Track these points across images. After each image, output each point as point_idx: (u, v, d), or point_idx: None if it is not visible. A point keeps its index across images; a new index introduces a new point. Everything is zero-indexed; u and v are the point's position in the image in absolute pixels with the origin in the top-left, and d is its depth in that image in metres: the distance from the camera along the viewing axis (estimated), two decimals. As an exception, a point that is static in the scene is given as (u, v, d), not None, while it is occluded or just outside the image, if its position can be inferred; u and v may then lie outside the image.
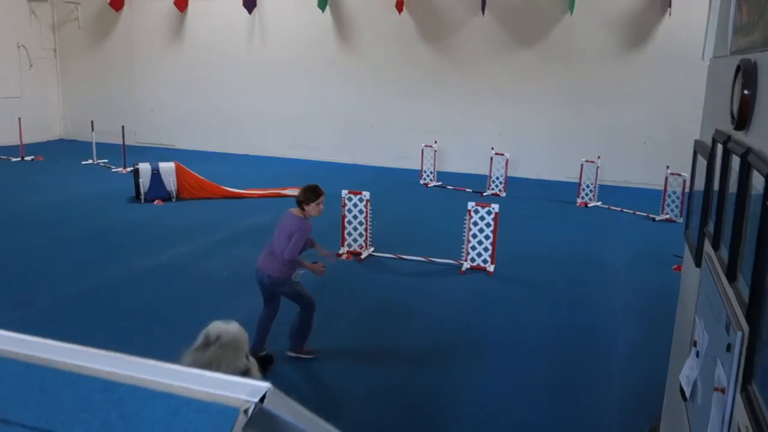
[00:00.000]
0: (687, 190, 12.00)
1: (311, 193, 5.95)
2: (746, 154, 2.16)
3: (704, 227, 2.98)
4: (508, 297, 7.98)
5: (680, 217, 12.13)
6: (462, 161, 16.28)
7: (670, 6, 14.31)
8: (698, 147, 3.41)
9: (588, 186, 13.53)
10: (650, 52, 14.88)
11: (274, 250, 5.87)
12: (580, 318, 7.36)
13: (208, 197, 12.46)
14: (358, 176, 15.59)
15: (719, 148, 2.71)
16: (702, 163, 3.24)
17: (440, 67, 16.33)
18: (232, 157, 17.83)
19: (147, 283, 8.03)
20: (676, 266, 9.33)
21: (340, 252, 9.26)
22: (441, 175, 15.23)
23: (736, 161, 2.34)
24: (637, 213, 12.75)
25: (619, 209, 12.97)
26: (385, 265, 9.07)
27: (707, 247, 2.88)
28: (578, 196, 13.53)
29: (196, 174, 12.57)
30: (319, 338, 6.37)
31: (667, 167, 12.58)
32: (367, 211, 9.25)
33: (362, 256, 9.21)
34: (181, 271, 8.52)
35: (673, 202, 12.38)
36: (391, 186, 14.67)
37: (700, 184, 3.32)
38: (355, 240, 9.33)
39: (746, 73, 2.24)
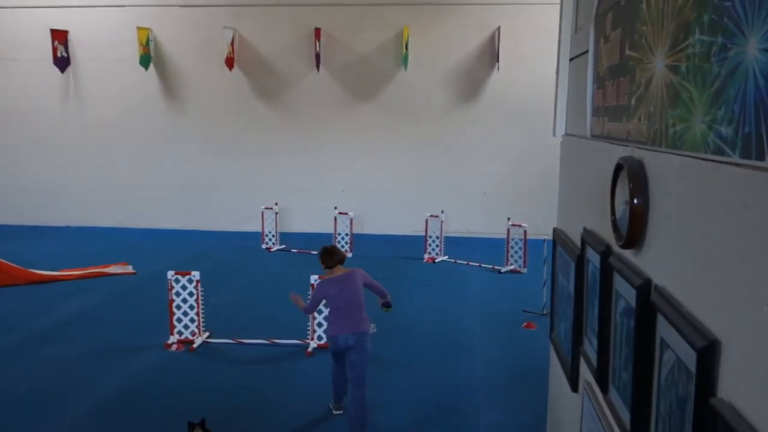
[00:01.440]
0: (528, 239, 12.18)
1: (343, 254, 6.43)
2: (645, 289, 1.62)
3: (579, 346, 2.46)
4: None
5: (524, 267, 12.20)
6: (306, 221, 15.59)
7: (498, 60, 14.70)
8: (558, 238, 2.93)
9: (434, 240, 13.33)
10: (483, 106, 15.17)
11: (351, 308, 5.99)
12: (436, 397, 6.81)
13: (11, 284, 10.75)
14: (195, 245, 14.41)
15: (595, 257, 2.20)
16: (565, 259, 2.74)
17: (278, 124, 15.67)
18: (50, 230, 15.91)
19: None
20: (525, 324, 9.19)
21: (169, 342, 8.14)
22: (285, 237, 14.43)
23: (625, 288, 1.81)
24: (482, 265, 12.67)
25: (466, 263, 12.83)
26: (223, 352, 8.08)
27: (586, 373, 2.35)
28: (425, 252, 13.29)
29: (-3, 258, 10.85)
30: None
31: (508, 219, 12.66)
32: (197, 294, 8.24)
33: (194, 345, 8.15)
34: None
35: (516, 252, 12.43)
36: (231, 253, 13.65)
37: (564, 282, 2.83)
38: (186, 326, 8.26)
39: (633, 177, 1.73)
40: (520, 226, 12.25)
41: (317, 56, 14.99)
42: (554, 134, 3.27)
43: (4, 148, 16.25)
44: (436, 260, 13.04)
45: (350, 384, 6.01)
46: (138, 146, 15.98)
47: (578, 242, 2.50)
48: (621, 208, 1.83)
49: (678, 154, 1.48)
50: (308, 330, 8.15)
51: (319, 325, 8.08)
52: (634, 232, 1.72)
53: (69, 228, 16.14)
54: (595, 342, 2.18)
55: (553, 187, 12.78)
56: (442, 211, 13.56)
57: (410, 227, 15.16)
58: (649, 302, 1.57)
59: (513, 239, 12.44)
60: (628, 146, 1.90)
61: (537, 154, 14.87)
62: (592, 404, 2.20)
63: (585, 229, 2.42)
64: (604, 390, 2.06)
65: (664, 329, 1.48)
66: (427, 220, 13.32)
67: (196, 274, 8.21)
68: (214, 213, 15.91)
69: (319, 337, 8.11)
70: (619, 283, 1.87)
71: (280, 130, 15.62)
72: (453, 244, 13.80)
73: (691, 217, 1.41)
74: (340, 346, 6.02)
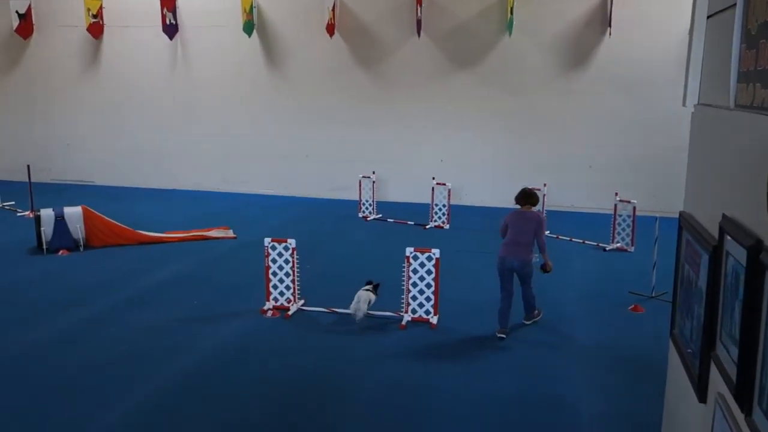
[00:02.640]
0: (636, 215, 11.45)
1: (537, 198, 7.98)
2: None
3: (711, 351, 2.10)
4: (455, 357, 7.06)
5: (631, 246, 11.53)
6: (403, 191, 15.42)
7: (610, 26, 13.83)
8: (685, 223, 2.55)
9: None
10: (592, 74, 14.37)
11: (519, 241, 7.50)
12: (536, 384, 6.48)
13: (122, 244, 11.22)
14: (293, 210, 14.56)
15: (738, 252, 1.84)
16: (694, 249, 2.37)
17: (376, 93, 15.48)
18: (159, 192, 16.55)
19: (22, 364, 6.81)
20: (632, 306, 8.65)
21: (265, 308, 8.21)
22: (381, 206, 14.31)
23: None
24: (586, 242, 12.08)
25: (569, 239, 12.27)
26: (316, 321, 8.06)
27: (719, 384, 2.01)
28: (525, 226, 12.80)
29: (107, 218, 11.32)
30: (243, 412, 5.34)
31: (616, 194, 11.97)
32: (293, 261, 8.23)
33: (290, 312, 8.17)
34: (66, 346, 7.25)
35: (623, 230, 11.76)
36: (328, 220, 13.69)
37: (692, 274, 2.46)
38: (281, 293, 8.29)
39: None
40: (628, 202, 11.54)
41: (418, 22, 14.62)
42: (684, 104, 2.86)
43: (115, 112, 16.96)
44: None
45: (522, 289, 7.75)
46: (241, 112, 16.26)
47: (714, 231, 2.14)
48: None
49: None
50: (402, 302, 7.99)
51: (414, 298, 7.90)
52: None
53: (175, 191, 16.71)
54: (734, 351, 1.84)
55: (666, 162, 12.03)
56: (545, 185, 13.01)
57: (509, 200, 14.65)
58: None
59: (620, 215, 11.76)
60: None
61: (649, 127, 13.99)
62: (726, 422, 1.87)
63: (725, 216, 2.05)
64: (746, 410, 1.72)
65: None
66: (528, 193, 12.79)
67: (292, 242, 8.20)
68: (313, 180, 16.02)
69: (413, 311, 7.93)
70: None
71: (380, 98, 15.43)
72: (556, 218, 13.22)
73: None
74: (505, 266, 7.58)
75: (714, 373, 2.10)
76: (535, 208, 7.90)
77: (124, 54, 16.75)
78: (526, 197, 7.76)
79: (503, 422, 5.73)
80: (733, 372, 1.85)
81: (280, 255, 8.23)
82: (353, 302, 7.87)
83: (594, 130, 14.45)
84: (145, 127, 16.87)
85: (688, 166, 2.76)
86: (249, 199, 15.68)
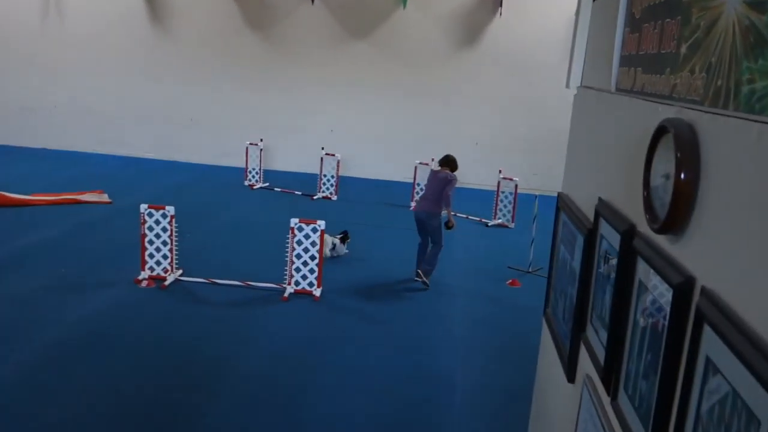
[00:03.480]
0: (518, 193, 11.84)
1: (455, 164, 8.58)
2: (686, 289, 1.27)
3: (581, 332, 2.12)
4: (335, 329, 7.02)
5: (512, 222, 11.92)
6: (291, 160, 15.16)
7: (501, 6, 14.08)
8: (563, 204, 2.56)
9: (422, 189, 12.95)
10: (482, 53, 14.62)
11: (427, 196, 8.37)
12: (415, 356, 6.55)
13: (-20, 206, 10.32)
14: (176, 176, 13.96)
15: (612, 236, 1.84)
16: (570, 230, 2.39)
17: (267, 57, 15.03)
18: (28, 151, 15.37)
19: None
20: (510, 281, 8.93)
21: (140, 278, 7.81)
22: (268, 175, 14.00)
23: (656, 282, 1.46)
24: (470, 217, 12.35)
25: (453, 213, 12.48)
26: (194, 292, 7.75)
27: (588, 365, 2.03)
28: (412, 200, 12.94)
29: (-36, 177, 10.35)
30: (113, 390, 5.03)
31: (500, 171, 12.31)
32: (171, 229, 7.86)
33: (166, 282, 7.82)
34: None
35: (505, 207, 12.13)
36: (212, 188, 13.23)
37: (567, 255, 2.49)
38: (158, 263, 7.91)
39: (681, 144, 1.35)
40: (510, 179, 11.91)
41: (313, -13, 14.28)
42: (568, 85, 2.88)
43: (-19, 62, 15.52)
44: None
45: (430, 245, 8.41)
46: (120, 70, 15.33)
47: (590, 214, 2.15)
48: (659, 182, 1.47)
49: (757, 121, 1.11)
50: (285, 274, 7.83)
51: (297, 270, 7.77)
52: (676, 215, 1.36)
53: (45, 150, 15.60)
54: (603, 335, 1.86)
55: (549, 142, 12.42)
56: (432, 159, 13.13)
57: (399, 174, 14.78)
58: (695, 308, 1.23)
59: (503, 192, 12.11)
60: (672, 105, 1.52)
61: (534, 107, 14.44)
62: (593, 404, 1.89)
63: (600, 200, 2.06)
64: (612, 395, 1.74)
65: (713, 347, 1.14)
66: (416, 167, 12.92)
67: (170, 209, 7.81)
68: (197, 145, 15.42)
69: (296, 283, 7.80)
70: (646, 274, 1.53)
71: (269, 64, 15.00)
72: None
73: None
74: (416, 216, 8.43)
75: (583, 354, 2.12)
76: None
77: (-12, -2, 15.31)
78: (445, 160, 8.60)
79: (381, 395, 5.74)
80: (601, 355, 1.87)
81: (157, 222, 7.83)
82: None
83: (482, 108, 14.75)
84: (14, 81, 15.56)
85: (568, 148, 2.79)
86: (128, 163, 14.89)
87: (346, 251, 9.48)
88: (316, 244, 7.70)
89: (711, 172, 1.27)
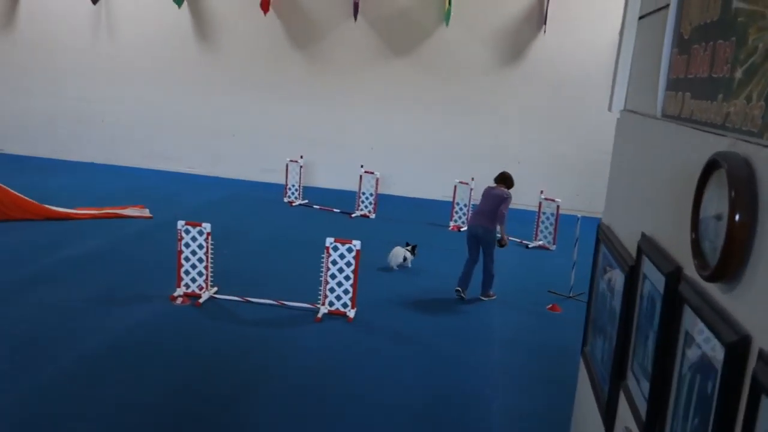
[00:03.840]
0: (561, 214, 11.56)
1: (511, 181, 8.87)
2: (740, 349, 1.10)
3: (621, 380, 1.94)
4: (369, 352, 6.87)
5: (553, 244, 11.64)
6: (331, 177, 15.13)
7: (545, 23, 13.88)
8: (603, 236, 2.39)
9: (461, 208, 12.79)
10: (525, 71, 14.41)
11: (484, 211, 8.48)
12: (450, 378, 6.37)
13: (27, 219, 10.50)
14: (216, 191, 14.05)
15: (656, 277, 1.67)
16: (610, 264, 2.21)
17: (310, 75, 15.09)
18: (75, 165, 15.69)
19: None
20: (550, 306, 8.67)
21: (175, 294, 7.80)
22: (308, 192, 14.00)
23: (704, 336, 1.29)
24: (510, 238, 12.07)
25: (495, 234, 12.26)
26: (228, 310, 7.71)
27: (627, 416, 1.85)
28: (451, 219, 12.76)
29: (10, 190, 10.55)
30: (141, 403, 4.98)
31: (541, 192, 12.06)
32: (207, 246, 7.84)
33: (201, 300, 7.79)
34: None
35: (546, 228, 11.86)
36: (251, 204, 13.27)
37: (607, 292, 2.31)
38: (193, 280, 7.89)
39: (735, 181, 1.19)
40: (552, 200, 11.64)
41: (356, 5, 14.31)
42: (610, 109, 2.71)
43: (34, 78, 15.95)
44: (462, 229, 12.49)
45: (483, 261, 8.57)
46: (167, 86, 15.56)
47: (632, 249, 1.98)
48: (709, 224, 1.30)
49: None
50: (320, 294, 7.73)
51: (331, 290, 7.66)
52: (729, 261, 1.20)
53: (93, 164, 15.89)
54: (645, 386, 1.68)
55: (592, 162, 12.18)
56: (472, 179, 12.95)
57: (438, 192, 14.62)
58: (752, 375, 1.06)
59: (544, 213, 11.85)
60: (724, 136, 1.36)
61: (578, 127, 14.15)
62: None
63: (644, 235, 1.88)
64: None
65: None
66: (455, 186, 12.75)
67: (207, 226, 7.80)
68: (238, 161, 15.52)
69: (330, 303, 7.69)
70: (693, 325, 1.36)
71: (312, 81, 15.05)
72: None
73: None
74: (470, 232, 8.63)
75: (623, 404, 1.94)
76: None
77: (43, 15, 15.75)
78: (501, 177, 8.85)
79: (412, 418, 5.56)
80: (642, 408, 1.69)
81: (194, 239, 7.82)
82: (390, 255, 9.56)
83: (524, 126, 14.53)
84: (64, 94, 15.94)
85: (610, 175, 2.61)
86: (170, 177, 15.07)
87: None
88: (351, 264, 7.58)
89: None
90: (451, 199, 13.01)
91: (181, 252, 7.82)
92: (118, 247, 9.69)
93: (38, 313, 7.07)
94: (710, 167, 1.33)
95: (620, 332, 1.97)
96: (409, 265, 9.72)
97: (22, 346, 6.31)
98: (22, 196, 10.65)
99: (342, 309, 7.70)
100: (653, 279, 1.71)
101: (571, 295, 8.98)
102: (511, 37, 14.33)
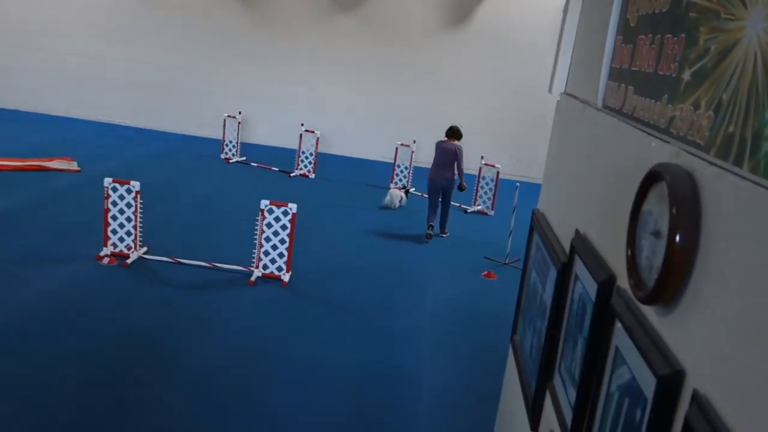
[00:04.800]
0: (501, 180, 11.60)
1: (460, 133, 9.81)
2: (672, 385, 1.01)
3: (548, 381, 1.87)
4: (302, 320, 6.75)
5: (491, 210, 11.68)
6: (270, 133, 14.76)
7: (492, -15, 13.70)
8: (537, 224, 2.30)
9: (403, 170, 12.68)
10: (471, 34, 14.24)
11: (443, 163, 9.56)
12: (383, 353, 6.31)
13: (-60, 168, 9.87)
14: (151, 145, 13.53)
15: (589, 282, 1.58)
16: (543, 257, 2.13)
17: (249, 28, 14.54)
18: (1, 112, 14.83)
19: None
20: (485, 272, 8.71)
21: (101, 254, 7.48)
22: (246, 148, 13.63)
23: (637, 363, 1.20)
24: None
25: (422, 195, 12.23)
26: (158, 272, 7.44)
27: (552, 418, 1.78)
28: (392, 181, 12.65)
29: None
30: (59, 373, 4.73)
31: (482, 157, 12.04)
32: (136, 205, 7.52)
33: (129, 260, 7.50)
34: None
35: (486, 193, 11.88)
36: (187, 159, 12.83)
37: (538, 284, 2.22)
38: (121, 239, 7.58)
39: (678, 198, 1.09)
40: (493, 166, 11.65)
41: (300, -44, 13.78)
42: (550, 90, 2.60)
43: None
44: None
45: (441, 205, 9.85)
46: (101, 34, 14.75)
47: (566, 245, 1.89)
48: (647, 240, 1.20)
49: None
50: (254, 257, 7.54)
51: (266, 253, 7.47)
52: (666, 285, 1.10)
53: (18, 112, 15.05)
54: (572, 393, 1.61)
55: (534, 128, 12.15)
56: (414, 141, 12.85)
57: (379, 153, 14.47)
58: (684, 419, 0.97)
59: (484, 179, 11.85)
60: (668, 143, 1.25)
61: (520, 94, 14.12)
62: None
63: (578, 233, 1.79)
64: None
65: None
66: (397, 148, 12.62)
67: (135, 184, 7.46)
68: (174, 114, 14.96)
69: (264, 266, 7.52)
70: (624, 344, 1.27)
71: (251, 35, 14.53)
72: (422, 174, 13.14)
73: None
74: (434, 184, 9.68)
75: (548, 405, 1.88)
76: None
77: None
78: (451, 131, 9.75)
79: (346, 393, 5.50)
80: (568, 416, 1.62)
81: (122, 197, 7.49)
82: (386, 198, 11.04)
83: (468, 90, 14.42)
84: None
85: (548, 160, 2.52)
86: (103, 129, 14.42)
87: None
88: (287, 228, 7.40)
89: (714, 239, 1.02)
90: (392, 161, 12.87)
91: (108, 210, 7.48)
92: (41, 203, 9.22)
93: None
94: (651, 178, 1.23)
95: (549, 331, 1.89)
96: (404, 205, 11.23)
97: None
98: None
99: (276, 273, 7.54)
100: (585, 283, 1.63)
101: (506, 261, 9.04)
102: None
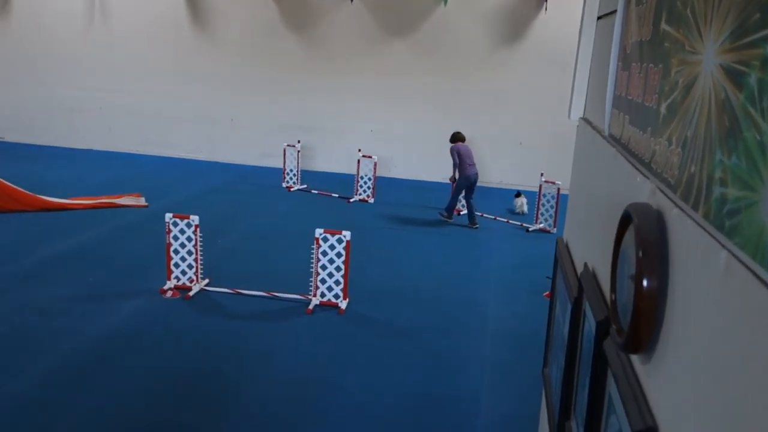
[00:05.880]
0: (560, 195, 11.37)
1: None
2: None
3: (567, 421, 1.80)
4: (360, 347, 6.75)
5: (554, 227, 11.45)
6: (330, 160, 14.98)
7: (546, 1, 13.54)
8: (560, 254, 2.23)
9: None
10: (526, 50, 14.11)
11: (474, 162, 11.35)
12: (441, 379, 6.24)
13: (19, 210, 10.43)
14: (215, 177, 13.94)
15: (591, 321, 1.51)
16: (562, 289, 2.06)
17: (305, 58, 14.86)
18: (72, 152, 15.62)
19: None
20: (546, 293, 8.51)
21: (165, 288, 7.72)
22: (306, 176, 13.86)
23: (620, 413, 1.14)
24: (510, 222, 11.95)
25: (493, 217, 12.11)
26: (219, 303, 7.61)
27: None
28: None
29: (3, 181, 10.45)
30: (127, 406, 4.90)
31: (542, 174, 11.83)
32: (196, 238, 7.74)
33: (191, 293, 7.71)
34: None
35: (547, 211, 11.66)
36: (250, 189, 13.15)
37: (560, 317, 2.15)
38: (183, 272, 7.80)
39: (643, 240, 1.03)
40: (552, 183, 11.43)
41: (351, -15, 14.02)
42: (569, 116, 2.53)
43: (29, 64, 15.84)
44: (461, 212, 12.32)
45: (469, 200, 11.41)
46: (164, 72, 15.40)
47: (577, 278, 1.82)
48: (624, 284, 1.14)
49: (723, 246, 0.79)
50: (311, 285, 7.62)
51: (323, 281, 7.54)
52: (637, 334, 1.04)
53: (91, 151, 15.82)
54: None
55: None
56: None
57: (440, 174, 14.42)
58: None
59: (545, 196, 11.64)
60: (647, 178, 1.19)
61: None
62: None
63: (586, 267, 1.72)
64: None
65: None
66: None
67: (195, 219, 7.69)
68: (236, 146, 15.38)
69: (322, 294, 7.58)
70: (615, 395, 1.20)
71: (307, 65, 14.83)
72: (484, 194, 13.04)
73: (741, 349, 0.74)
74: (472, 178, 11.20)
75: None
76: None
77: (36, 2, 15.59)
78: (459, 134, 11.64)
79: (400, 421, 5.46)
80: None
81: (182, 232, 7.72)
82: (518, 203, 12.55)
83: (525, 107, 14.25)
84: (61, 81, 15.82)
85: (570, 188, 2.44)
86: (169, 164, 14.96)
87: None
88: (342, 255, 7.46)
89: (679, 286, 0.96)
90: (450, 182, 12.80)
91: (170, 244, 7.73)
92: (110, 239, 9.60)
93: (22, 313, 6.98)
94: (626, 219, 1.17)
95: (566, 369, 1.83)
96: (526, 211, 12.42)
97: (1, 349, 6.22)
98: (16, 187, 10.57)
99: (334, 300, 7.59)
100: (590, 321, 1.56)
101: (568, 281, 8.81)
102: (511, 17, 14.01)
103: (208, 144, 15.50)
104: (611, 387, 1.25)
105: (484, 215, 12.10)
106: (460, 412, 5.67)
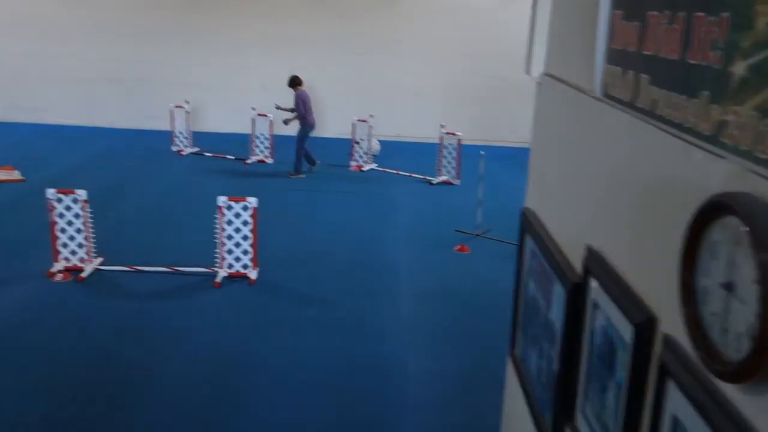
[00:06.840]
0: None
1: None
2: None
3: (567, 421, 1.60)
4: (274, 318, 6.44)
5: (457, 179, 11.42)
6: (222, 119, 14.22)
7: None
8: (529, 225, 2.01)
9: (362, 147, 12.33)
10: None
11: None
12: (361, 341, 6.06)
13: None
14: (97, 144, 12.91)
15: (620, 321, 1.30)
16: (544, 270, 1.85)
17: (190, 11, 13.88)
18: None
19: None
20: (458, 246, 8.48)
21: (53, 270, 7.03)
22: (198, 137, 13.08)
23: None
24: (413, 176, 11.83)
25: (395, 172, 11.95)
26: (117, 283, 7.04)
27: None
28: (351, 159, 12.30)
29: None
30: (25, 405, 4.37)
31: (442, 126, 11.74)
32: (85, 215, 7.06)
33: (84, 274, 7.06)
34: None
35: (449, 162, 11.61)
36: (137, 155, 12.28)
37: (541, 301, 1.95)
38: (73, 252, 7.13)
39: (760, 244, 0.80)
40: (453, 134, 11.36)
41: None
42: (528, 71, 2.31)
43: None
44: (364, 168, 12.10)
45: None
46: (33, 30, 13.94)
47: (574, 259, 1.61)
48: (715, 294, 0.92)
49: None
50: (217, 257, 7.17)
51: (229, 252, 7.11)
52: (760, 361, 0.82)
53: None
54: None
55: (490, 89, 11.86)
56: (371, 116, 12.46)
57: (335, 129, 14.04)
58: None
59: (446, 148, 11.57)
60: (722, 157, 0.97)
61: (479, 57, 13.77)
62: None
63: (591, 251, 1.51)
64: None
65: None
66: (353, 124, 12.23)
67: (81, 193, 7.00)
68: (119, 109, 14.29)
69: (230, 265, 7.16)
70: (687, 414, 1.00)
71: (192, 18, 13.87)
72: (383, 149, 12.82)
73: None
74: (313, 128, 11.09)
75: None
76: None
77: None
78: (300, 79, 11.36)
79: (323, 391, 5.24)
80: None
81: (68, 208, 7.02)
82: (374, 145, 12.31)
83: (421, 57, 14.04)
84: None
85: (532, 150, 2.23)
86: (43, 131, 13.69)
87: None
88: (249, 223, 7.04)
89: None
90: (349, 137, 12.50)
91: (54, 223, 7.02)
92: (-17, 218, 8.67)
93: None
94: (712, 209, 0.95)
95: (563, 364, 1.63)
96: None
97: None
98: None
99: (243, 271, 7.19)
100: (612, 317, 1.35)
101: (478, 233, 8.82)
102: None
103: (85, 107, 14.30)
104: (678, 409, 1.04)
105: (386, 170, 11.92)
106: (383, 376, 5.52)
